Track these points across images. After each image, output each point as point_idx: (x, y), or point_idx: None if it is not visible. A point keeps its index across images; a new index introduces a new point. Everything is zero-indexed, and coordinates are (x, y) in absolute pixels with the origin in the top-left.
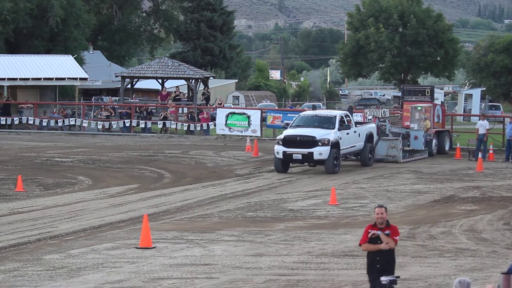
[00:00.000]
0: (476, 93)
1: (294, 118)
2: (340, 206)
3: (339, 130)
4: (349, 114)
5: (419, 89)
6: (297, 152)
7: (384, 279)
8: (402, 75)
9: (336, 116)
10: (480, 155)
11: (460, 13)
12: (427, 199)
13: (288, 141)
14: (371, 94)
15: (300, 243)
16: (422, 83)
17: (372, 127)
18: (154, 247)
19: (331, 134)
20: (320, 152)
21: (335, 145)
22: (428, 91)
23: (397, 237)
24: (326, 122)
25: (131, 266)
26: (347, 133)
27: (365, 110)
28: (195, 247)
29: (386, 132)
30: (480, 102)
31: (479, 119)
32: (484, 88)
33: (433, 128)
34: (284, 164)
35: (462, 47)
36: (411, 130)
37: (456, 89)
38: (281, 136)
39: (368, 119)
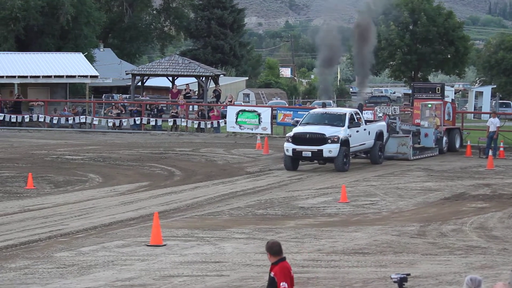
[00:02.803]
0: (487, 90)
1: (304, 116)
2: (350, 203)
3: (348, 127)
4: (359, 111)
5: (429, 87)
6: (307, 150)
7: (394, 276)
8: (413, 72)
9: (346, 113)
10: (490, 152)
11: (471, 11)
12: (437, 196)
13: (298, 139)
14: (382, 92)
15: (311, 241)
16: (433, 80)
17: (382, 125)
18: (165, 245)
19: (340, 132)
20: (330, 150)
21: (345, 143)
22: (438, 89)
23: (283, 283)
24: (335, 120)
25: (141, 264)
26: (357, 131)
27: (376, 108)
28: (205, 244)
29: (396, 129)
30: (491, 99)
31: (490, 117)
32: (495, 86)
33: (444, 125)
34: (293, 162)
35: (472, 44)
36: (421, 127)
37: (467, 86)
38: (291, 134)
39: (379, 117)
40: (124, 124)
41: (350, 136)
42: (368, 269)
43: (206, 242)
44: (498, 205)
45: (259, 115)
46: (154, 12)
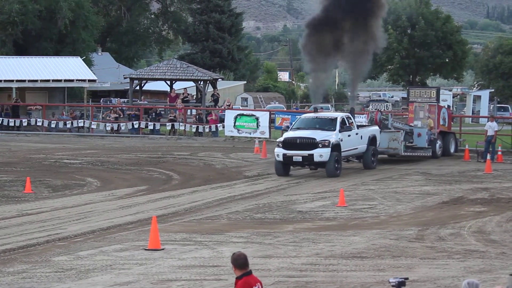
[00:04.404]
0: (485, 94)
1: (295, 120)
2: (348, 207)
3: (340, 132)
4: (350, 116)
5: (424, 91)
6: (297, 154)
7: (392, 280)
8: (411, 76)
9: (337, 118)
10: (488, 156)
11: (469, 15)
12: (435, 200)
13: (288, 144)
14: (380, 96)
15: (309, 245)
16: (431, 84)
17: (375, 129)
18: (163, 249)
19: (331, 136)
20: (321, 154)
21: (336, 147)
22: (433, 93)
23: None
24: (327, 124)
25: (139, 268)
26: (349, 135)
27: (370, 106)
28: (203, 248)
29: (388, 126)
30: (489, 103)
31: (488, 121)
32: (493, 90)
33: (437, 128)
34: (284, 167)
35: (470, 48)
36: (414, 127)
37: (465, 90)
38: (281, 139)
39: (371, 112)
40: (122, 128)
41: (341, 141)
42: (366, 273)
43: (204, 246)
44: (496, 209)
45: (257, 119)
46: (152, 16)
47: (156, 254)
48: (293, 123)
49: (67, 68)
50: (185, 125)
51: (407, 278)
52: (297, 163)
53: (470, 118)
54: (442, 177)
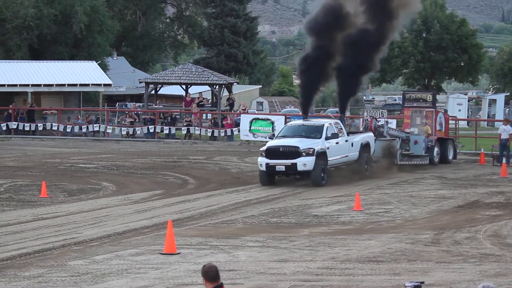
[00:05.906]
0: (500, 98)
1: (281, 128)
2: (364, 211)
3: (326, 139)
4: (339, 122)
5: (420, 95)
6: (280, 164)
7: (408, 284)
8: (426, 80)
9: (323, 125)
10: (504, 160)
11: (484, 18)
12: (451, 204)
13: (271, 152)
14: (395, 100)
15: (325, 249)
16: (446, 88)
17: (368, 136)
18: (179, 253)
19: (316, 144)
20: (304, 163)
21: (321, 155)
22: (429, 97)
23: None
24: (313, 132)
25: (155, 272)
26: (337, 143)
27: (364, 113)
28: (219, 253)
29: (384, 134)
30: (504, 107)
31: (502, 124)
32: (508, 93)
33: (435, 135)
34: (269, 177)
35: (485, 52)
36: (411, 134)
37: (480, 94)
38: (264, 147)
39: (366, 120)
40: (138, 132)
41: (328, 148)
42: (382, 277)
43: (220, 250)
44: None
45: (272, 123)
46: (167, 20)
47: (172, 258)
48: (279, 131)
49: (82, 73)
50: (200, 129)
51: (423, 282)
52: (280, 172)
53: (486, 122)
54: (457, 181)
